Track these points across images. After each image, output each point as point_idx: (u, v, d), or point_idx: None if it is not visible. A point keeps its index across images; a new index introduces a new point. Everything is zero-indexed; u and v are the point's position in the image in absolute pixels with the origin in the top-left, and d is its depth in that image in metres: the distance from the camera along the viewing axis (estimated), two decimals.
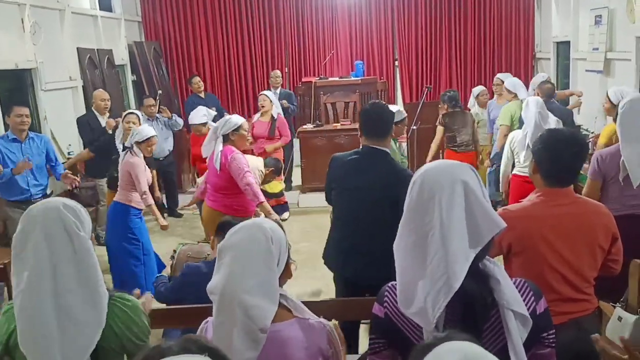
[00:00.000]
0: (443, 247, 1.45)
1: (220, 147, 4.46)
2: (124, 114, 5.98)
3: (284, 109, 8.29)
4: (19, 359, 1.73)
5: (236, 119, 4.56)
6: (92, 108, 6.66)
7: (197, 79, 8.59)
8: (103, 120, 6.49)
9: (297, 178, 8.34)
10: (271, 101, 7.24)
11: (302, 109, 8.62)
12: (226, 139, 4.48)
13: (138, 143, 4.87)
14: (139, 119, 5.95)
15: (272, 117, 7.13)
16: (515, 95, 6.17)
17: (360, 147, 3.32)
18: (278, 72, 8.64)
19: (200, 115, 6.64)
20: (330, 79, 9.05)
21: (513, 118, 5.80)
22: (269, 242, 1.75)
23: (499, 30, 9.92)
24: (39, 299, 1.65)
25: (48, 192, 5.37)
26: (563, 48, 8.68)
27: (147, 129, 5.06)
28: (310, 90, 8.52)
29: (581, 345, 2.30)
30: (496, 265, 1.55)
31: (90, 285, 1.71)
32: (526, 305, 1.52)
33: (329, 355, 1.81)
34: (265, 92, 7.43)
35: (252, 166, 5.56)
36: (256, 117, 7.29)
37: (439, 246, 1.45)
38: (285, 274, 1.84)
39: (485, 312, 1.48)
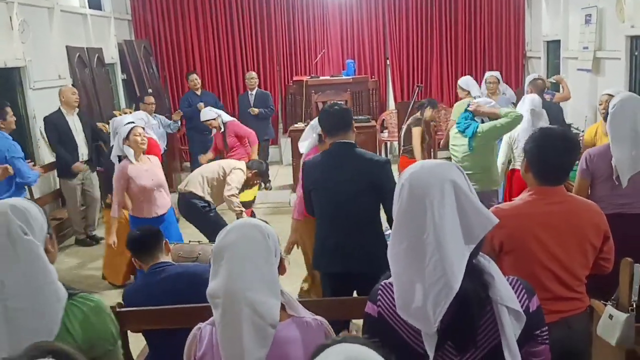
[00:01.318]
0: (438, 249, 1.44)
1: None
2: (129, 128, 4.61)
3: (267, 110, 8.34)
4: None
5: None
6: (60, 107, 6.41)
7: (194, 76, 8.57)
8: (71, 120, 6.39)
9: (288, 177, 8.32)
10: (215, 116, 6.78)
11: (294, 108, 8.63)
12: (321, 138, 4.21)
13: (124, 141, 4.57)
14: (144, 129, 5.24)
15: (220, 128, 6.66)
16: (469, 93, 6.64)
17: (328, 147, 3.41)
18: (253, 74, 8.72)
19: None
20: (321, 77, 9.04)
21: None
22: (265, 238, 1.76)
23: (489, 29, 9.96)
24: None
25: None
26: (553, 47, 8.71)
27: (124, 119, 4.89)
28: (302, 89, 8.50)
29: (573, 344, 2.30)
30: (489, 262, 1.55)
31: (38, 290, 1.62)
32: (519, 302, 1.52)
33: None
34: (207, 108, 7.02)
35: (215, 169, 5.49)
36: (214, 130, 6.85)
37: (434, 248, 1.44)
38: (280, 270, 1.83)
39: (480, 308, 1.47)
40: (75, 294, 1.73)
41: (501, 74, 9.76)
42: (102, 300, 1.79)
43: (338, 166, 3.28)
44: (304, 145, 4.46)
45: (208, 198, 5.31)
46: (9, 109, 5.42)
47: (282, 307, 1.77)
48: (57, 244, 1.83)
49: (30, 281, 1.62)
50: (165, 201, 4.74)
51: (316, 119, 4.13)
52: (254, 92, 8.42)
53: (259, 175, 5.82)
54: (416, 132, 6.07)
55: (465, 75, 9.94)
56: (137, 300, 2.94)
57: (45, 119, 6.41)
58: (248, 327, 1.66)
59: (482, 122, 4.55)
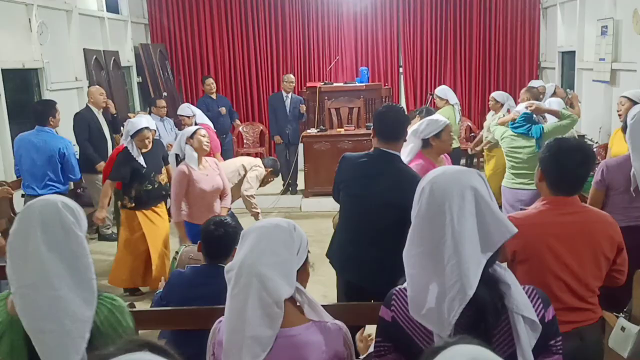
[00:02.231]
0: (456, 254, 1.44)
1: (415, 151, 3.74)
2: (194, 128, 4.63)
3: (300, 115, 8.30)
4: (2, 353, 1.74)
5: (439, 118, 3.81)
6: (89, 104, 6.52)
7: (210, 80, 8.56)
8: (100, 117, 6.51)
9: (300, 182, 8.34)
10: (191, 114, 6.65)
11: (307, 114, 8.63)
12: (426, 144, 3.73)
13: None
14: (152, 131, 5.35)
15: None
16: (447, 101, 6.79)
17: (372, 149, 3.28)
18: (292, 77, 8.53)
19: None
20: (334, 84, 9.05)
21: (454, 122, 6.25)
22: (291, 230, 1.78)
23: (504, 38, 9.94)
24: (39, 294, 1.66)
25: None
26: (568, 58, 8.69)
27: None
28: (315, 95, 8.52)
29: (585, 355, 2.30)
30: (505, 270, 1.55)
31: (84, 283, 1.72)
32: (535, 311, 1.52)
33: (345, 357, 1.80)
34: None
35: (236, 166, 5.45)
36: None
37: (452, 253, 1.45)
38: (303, 274, 1.83)
39: (496, 317, 1.48)
40: (100, 294, 1.81)
41: (515, 83, 9.81)
42: (122, 300, 1.88)
43: (372, 175, 3.16)
44: (405, 152, 3.75)
45: None
46: (58, 107, 5.47)
47: (301, 311, 1.78)
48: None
49: (78, 274, 1.71)
50: (218, 207, 4.61)
51: (419, 124, 3.78)
52: (289, 96, 8.40)
53: (273, 174, 5.81)
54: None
55: (478, 85, 10.01)
56: (180, 285, 2.96)
57: (76, 116, 6.45)
58: (254, 299, 1.66)
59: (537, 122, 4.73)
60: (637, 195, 3.27)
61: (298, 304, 1.78)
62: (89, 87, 7.45)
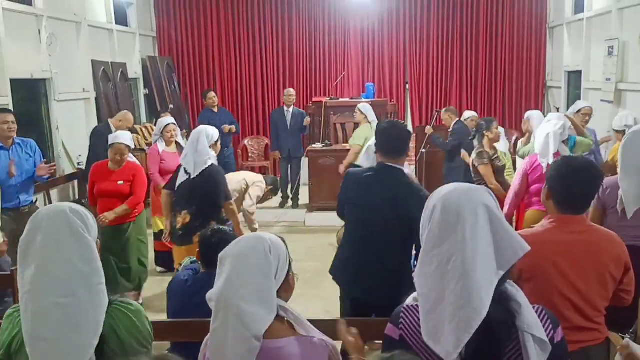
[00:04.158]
0: (467, 274, 1.42)
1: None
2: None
3: (304, 127, 8.31)
4: None
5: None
6: (111, 122, 6.35)
7: (212, 93, 8.59)
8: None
9: (303, 196, 8.34)
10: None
11: (312, 128, 8.65)
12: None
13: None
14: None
15: (181, 146, 5.70)
16: (366, 117, 6.92)
17: (376, 164, 3.32)
18: (292, 91, 8.60)
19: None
20: (340, 99, 9.08)
21: (367, 139, 6.13)
22: (266, 252, 1.77)
23: (510, 57, 9.98)
24: (43, 300, 1.65)
25: (34, 199, 5.09)
26: (574, 77, 8.69)
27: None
28: (321, 110, 8.55)
29: None
30: (516, 289, 1.54)
31: (92, 289, 1.70)
32: (545, 332, 1.51)
33: None
34: (168, 118, 6.15)
35: (239, 180, 5.48)
36: (161, 147, 5.79)
37: (461, 273, 1.43)
38: (286, 287, 1.84)
39: (508, 335, 1.46)
40: (115, 300, 1.81)
41: (520, 102, 9.83)
42: (139, 305, 1.89)
43: (376, 189, 3.19)
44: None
45: None
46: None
47: (289, 325, 1.78)
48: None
49: (86, 280, 1.70)
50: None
51: None
52: (290, 110, 8.43)
53: (272, 192, 5.85)
54: (483, 170, 4.94)
55: (484, 103, 10.03)
56: (179, 291, 2.97)
57: (95, 130, 6.51)
58: (233, 336, 1.67)
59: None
60: (625, 215, 3.21)
61: (284, 316, 1.78)
62: (96, 98, 7.50)
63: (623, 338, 2.66)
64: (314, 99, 9.29)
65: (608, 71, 7.05)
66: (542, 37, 9.82)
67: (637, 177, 3.18)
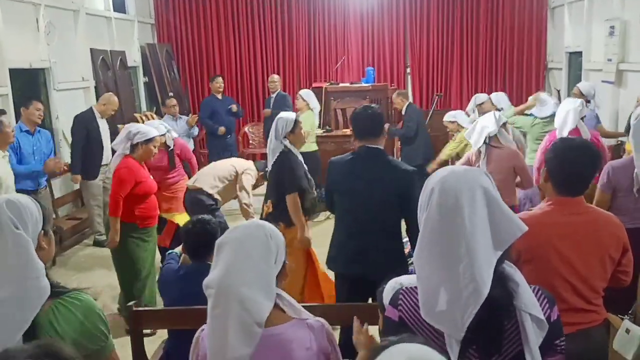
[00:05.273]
0: (468, 255, 1.44)
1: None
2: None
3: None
4: None
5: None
6: (95, 108, 6.36)
7: (219, 79, 8.50)
8: (101, 122, 6.33)
9: None
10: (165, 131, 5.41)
11: None
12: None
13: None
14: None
15: (167, 145, 5.39)
16: (308, 104, 7.24)
17: (357, 148, 3.39)
18: (275, 77, 8.60)
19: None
20: (340, 84, 9.05)
21: (311, 125, 6.92)
22: (267, 238, 1.77)
23: (510, 39, 9.91)
24: None
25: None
26: (575, 58, 8.64)
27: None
28: (321, 95, 8.52)
29: (589, 357, 2.28)
30: (514, 269, 1.55)
31: (20, 282, 1.64)
32: (542, 311, 1.52)
33: (329, 353, 1.83)
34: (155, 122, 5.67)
35: (227, 167, 5.47)
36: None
37: (464, 254, 1.45)
38: (282, 275, 1.84)
39: (508, 315, 1.48)
40: (64, 293, 1.73)
41: (521, 84, 9.78)
42: (90, 298, 1.78)
43: (363, 171, 3.27)
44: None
45: (216, 196, 5.29)
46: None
47: (283, 310, 1.79)
48: (54, 242, 1.85)
49: (14, 273, 1.64)
50: None
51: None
52: (274, 95, 8.43)
53: (264, 178, 5.74)
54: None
55: (485, 86, 9.99)
56: (170, 281, 2.96)
57: (76, 118, 6.31)
58: (234, 322, 1.67)
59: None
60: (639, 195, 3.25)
61: (280, 304, 1.79)
62: (95, 86, 7.48)
63: (622, 319, 2.67)
64: (314, 84, 9.26)
65: (609, 51, 7.00)
66: (542, 17, 9.75)
67: None
